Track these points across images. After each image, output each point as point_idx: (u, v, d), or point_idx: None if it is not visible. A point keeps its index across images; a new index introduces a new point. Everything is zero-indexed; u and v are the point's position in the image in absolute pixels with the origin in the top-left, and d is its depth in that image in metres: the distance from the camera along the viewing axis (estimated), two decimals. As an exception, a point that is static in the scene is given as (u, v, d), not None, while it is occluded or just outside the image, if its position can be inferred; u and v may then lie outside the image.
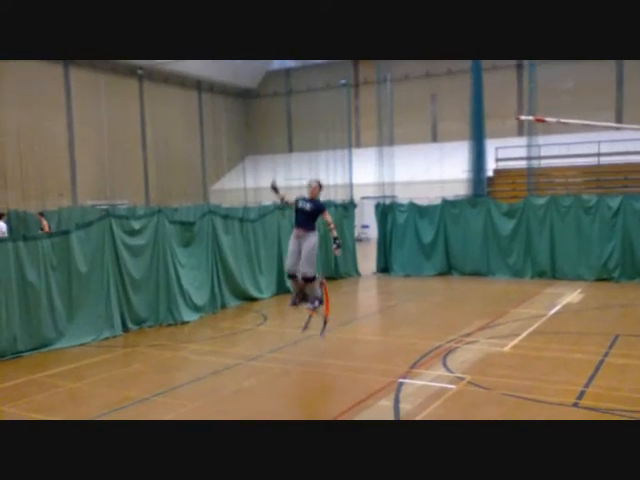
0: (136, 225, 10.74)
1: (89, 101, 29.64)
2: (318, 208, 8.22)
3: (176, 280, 11.07)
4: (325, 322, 8.52)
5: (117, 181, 30.27)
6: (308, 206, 8.17)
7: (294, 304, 8.50)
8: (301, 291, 8.35)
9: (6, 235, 15.63)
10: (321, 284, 8.39)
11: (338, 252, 8.44)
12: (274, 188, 8.51)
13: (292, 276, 8.30)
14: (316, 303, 8.24)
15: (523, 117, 9.23)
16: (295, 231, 8.21)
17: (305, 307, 8.37)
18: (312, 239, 8.07)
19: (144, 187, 33.26)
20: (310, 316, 8.52)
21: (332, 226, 8.24)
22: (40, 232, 16.41)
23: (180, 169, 34.29)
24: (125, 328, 10.37)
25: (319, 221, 8.29)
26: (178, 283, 11.11)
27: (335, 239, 8.23)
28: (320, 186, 8.36)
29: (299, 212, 8.21)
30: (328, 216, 8.29)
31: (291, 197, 8.54)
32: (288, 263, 8.22)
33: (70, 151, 29.39)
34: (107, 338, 9.89)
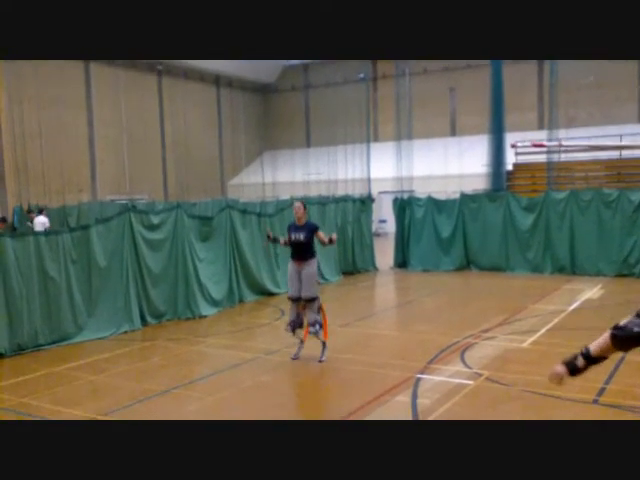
0: (155, 220, 10.82)
1: (109, 97, 29.88)
2: (311, 232, 8.08)
3: (194, 274, 11.13)
4: (324, 345, 8.14)
5: (136, 176, 30.51)
6: (302, 236, 8.01)
7: (292, 330, 8.16)
8: (298, 315, 8.11)
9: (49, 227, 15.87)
10: (319, 308, 8.14)
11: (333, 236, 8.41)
12: (272, 239, 8.62)
13: (295, 299, 8.08)
14: (317, 327, 7.97)
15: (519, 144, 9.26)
16: (294, 264, 8.06)
17: (310, 331, 8.08)
18: (312, 267, 8.01)
19: (163, 182, 33.47)
20: (302, 343, 8.27)
21: (326, 241, 8.21)
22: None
23: (198, 164, 34.45)
24: (144, 322, 10.46)
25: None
26: (196, 277, 11.17)
27: (331, 240, 8.28)
28: (305, 206, 8.23)
29: (294, 245, 8.08)
30: (321, 234, 8.16)
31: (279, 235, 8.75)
32: (291, 289, 8.08)
33: (90, 147, 29.64)
34: (126, 332, 9.99)
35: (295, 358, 8.19)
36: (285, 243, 8.33)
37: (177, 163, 32.71)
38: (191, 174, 33.17)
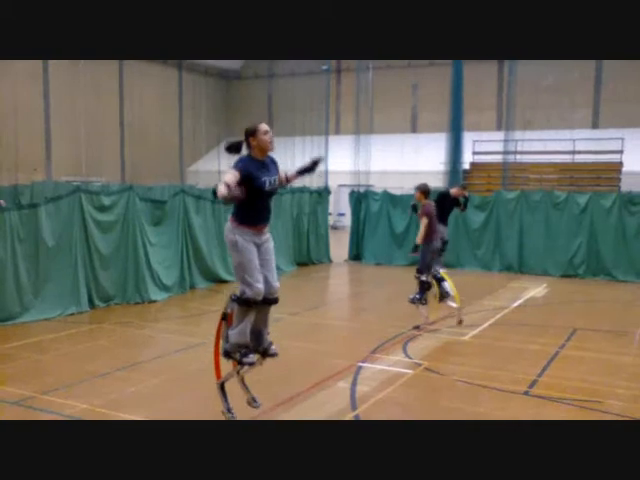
0: (106, 201, 10.73)
1: (67, 74, 29.21)
2: (277, 171, 5.07)
3: (145, 259, 11.09)
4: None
5: (93, 159, 29.94)
6: (276, 180, 5.00)
7: (250, 363, 5.01)
8: (260, 335, 5.14)
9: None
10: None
11: None
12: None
13: (265, 302, 4.99)
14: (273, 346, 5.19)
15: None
16: (256, 234, 4.90)
17: (270, 353, 5.18)
18: (271, 239, 5.10)
19: (120, 166, 32.97)
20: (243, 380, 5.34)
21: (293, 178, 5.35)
22: None
23: (157, 149, 34.03)
24: (92, 305, 10.37)
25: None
26: (147, 262, 11.13)
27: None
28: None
29: (264, 198, 4.93)
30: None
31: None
32: (259, 286, 4.84)
33: (46, 126, 29.00)
34: (73, 314, 9.90)
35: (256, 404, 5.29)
36: (237, 199, 4.75)
37: (135, 147, 32.25)
38: (150, 159, 32.76)
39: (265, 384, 7.15)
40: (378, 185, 20.86)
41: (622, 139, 24.40)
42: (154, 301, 11.05)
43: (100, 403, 6.01)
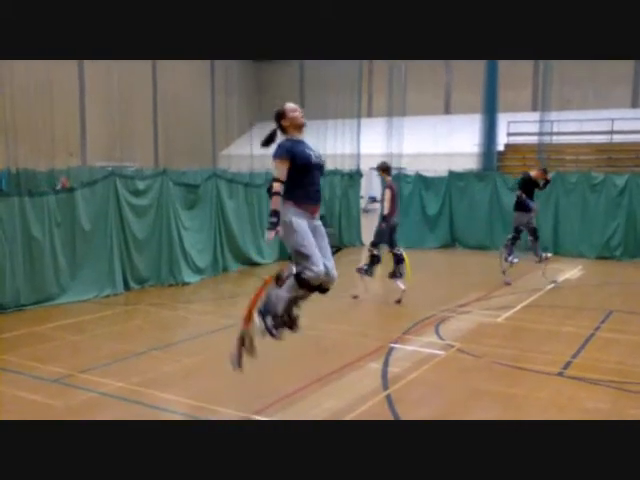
0: (141, 185, 10.86)
1: (101, 67, 29.49)
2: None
3: (179, 242, 11.21)
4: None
5: (127, 144, 30.28)
6: (318, 155, 4.87)
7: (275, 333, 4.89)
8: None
9: None
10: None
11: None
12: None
13: (319, 288, 4.80)
14: None
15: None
16: (305, 215, 4.69)
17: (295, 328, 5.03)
18: (322, 225, 4.90)
19: (153, 151, 33.30)
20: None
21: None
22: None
23: (190, 133, 34.23)
24: (127, 287, 10.54)
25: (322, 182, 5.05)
26: (180, 245, 11.25)
27: None
28: None
29: (313, 174, 4.76)
30: None
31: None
32: (321, 268, 4.62)
33: (81, 111, 29.41)
34: (108, 296, 10.08)
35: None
36: (279, 181, 4.62)
37: (168, 131, 32.51)
38: (183, 143, 33.01)
39: (298, 363, 7.22)
40: (411, 168, 20.67)
41: (662, 118, 23.71)
42: (187, 283, 11.19)
43: (135, 381, 6.13)
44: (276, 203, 4.55)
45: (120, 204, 10.44)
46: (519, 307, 9.61)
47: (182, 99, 33.56)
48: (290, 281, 4.77)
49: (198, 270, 11.66)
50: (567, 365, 6.76)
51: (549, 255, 11.50)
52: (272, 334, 4.84)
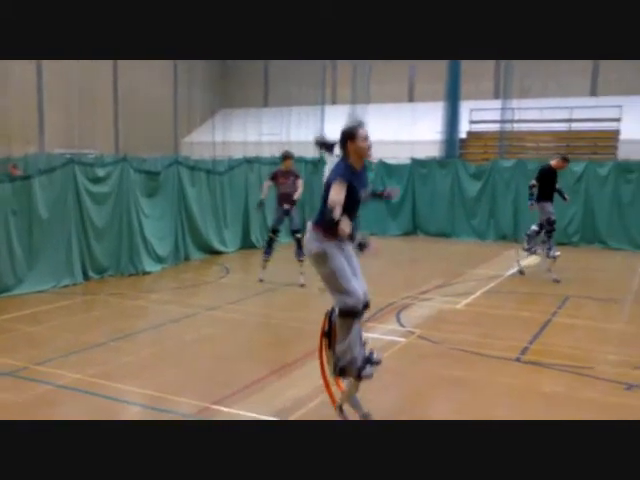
0: (100, 172, 10.66)
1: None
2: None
3: (139, 230, 11.06)
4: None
5: (86, 130, 29.68)
6: (366, 190, 4.70)
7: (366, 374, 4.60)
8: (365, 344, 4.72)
9: None
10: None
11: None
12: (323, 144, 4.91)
13: (362, 309, 4.62)
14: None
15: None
16: (345, 246, 4.57)
17: (374, 360, 4.66)
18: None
19: (114, 138, 32.70)
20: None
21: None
22: None
23: (152, 120, 33.67)
24: (86, 276, 10.37)
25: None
26: (141, 233, 11.10)
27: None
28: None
29: (356, 209, 4.60)
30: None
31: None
32: (359, 293, 4.52)
33: (38, 96, 28.67)
34: (67, 286, 9.90)
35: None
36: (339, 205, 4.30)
37: (129, 118, 31.96)
38: (144, 130, 32.48)
39: (261, 351, 7.22)
40: (374, 155, 20.70)
41: (620, 107, 24.21)
42: (148, 272, 11.06)
43: (93, 373, 6.04)
44: (347, 225, 4.20)
45: (79, 192, 10.23)
46: (479, 293, 9.76)
47: (143, 85, 33.00)
48: (338, 323, 4.61)
49: (159, 259, 11.53)
50: (524, 350, 6.89)
51: (557, 254, 10.76)
52: (369, 376, 4.59)
